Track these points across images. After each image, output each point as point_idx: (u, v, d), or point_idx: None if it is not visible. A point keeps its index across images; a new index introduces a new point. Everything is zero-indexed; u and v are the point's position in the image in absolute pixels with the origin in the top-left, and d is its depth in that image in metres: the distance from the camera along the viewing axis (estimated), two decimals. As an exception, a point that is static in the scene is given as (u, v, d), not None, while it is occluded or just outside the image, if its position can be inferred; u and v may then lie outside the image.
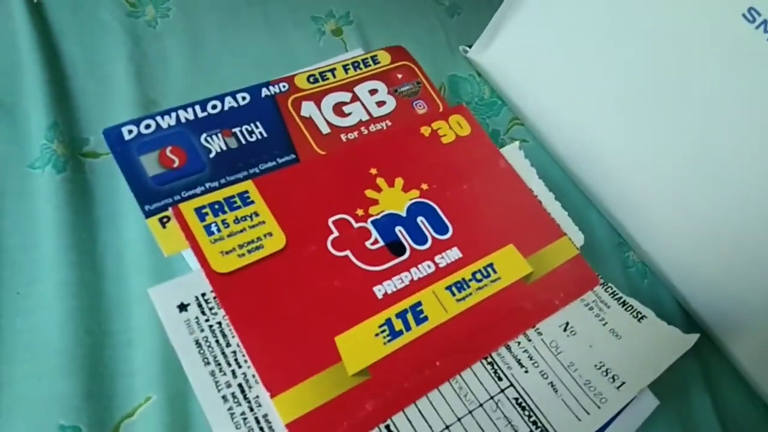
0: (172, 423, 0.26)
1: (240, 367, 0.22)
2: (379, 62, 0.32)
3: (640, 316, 0.28)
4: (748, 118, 0.31)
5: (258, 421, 0.22)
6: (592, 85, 0.36)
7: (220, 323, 0.23)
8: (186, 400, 0.27)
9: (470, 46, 0.45)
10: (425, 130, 0.30)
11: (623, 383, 0.25)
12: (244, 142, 0.27)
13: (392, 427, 0.23)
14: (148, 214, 0.24)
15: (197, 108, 0.27)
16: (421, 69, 0.33)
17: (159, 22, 0.40)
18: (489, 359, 0.25)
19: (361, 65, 0.31)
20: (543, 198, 0.30)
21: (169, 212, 0.24)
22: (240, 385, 0.22)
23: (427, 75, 0.32)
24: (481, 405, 0.24)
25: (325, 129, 0.29)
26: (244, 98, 0.28)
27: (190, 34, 0.40)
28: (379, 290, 0.25)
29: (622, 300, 0.28)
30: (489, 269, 0.27)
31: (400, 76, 0.32)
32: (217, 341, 0.23)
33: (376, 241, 0.26)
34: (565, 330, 0.27)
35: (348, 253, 0.25)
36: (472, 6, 0.51)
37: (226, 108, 0.27)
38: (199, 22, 0.41)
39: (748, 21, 0.29)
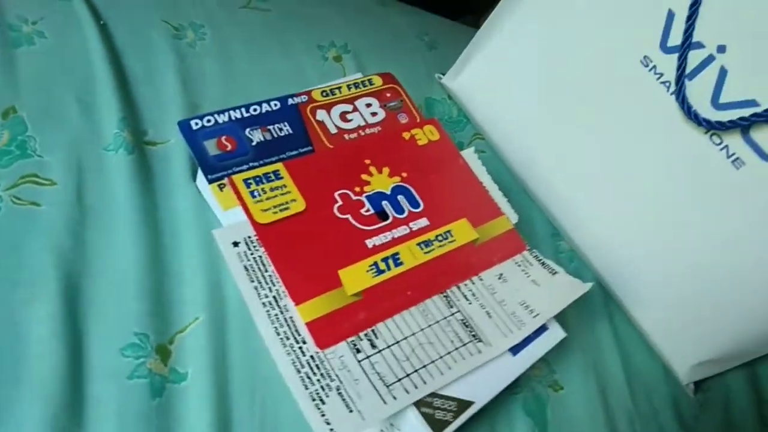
0: (213, 337, 0.36)
1: (274, 285, 0.33)
2: (373, 84, 0.43)
3: (553, 272, 0.39)
4: (642, 132, 0.42)
5: (286, 321, 0.32)
6: (533, 108, 0.48)
7: (261, 256, 0.33)
8: (224, 321, 0.37)
9: (444, 74, 0.57)
10: (406, 135, 0.41)
11: (538, 314, 0.36)
12: (275, 136, 0.38)
13: (376, 331, 0.33)
14: (211, 181, 0.35)
15: (243, 110, 0.38)
16: (405, 90, 0.44)
17: (198, 44, 0.51)
18: (445, 294, 0.36)
19: (360, 86, 0.42)
20: (489, 188, 0.42)
21: (226, 181, 0.35)
22: (275, 297, 0.32)
23: (408, 95, 0.44)
24: (437, 322, 0.35)
25: (333, 130, 0.40)
26: (275, 105, 0.39)
27: (222, 54, 0.51)
28: (369, 242, 0.36)
29: (541, 261, 0.39)
30: (447, 234, 0.38)
31: (389, 94, 0.43)
32: (258, 268, 0.33)
33: (368, 210, 0.37)
34: (499, 278, 0.38)
35: (348, 216, 0.36)
36: (448, 42, 0.63)
37: (263, 111, 0.38)
38: (229, 45, 0.52)
39: (644, 66, 0.41)
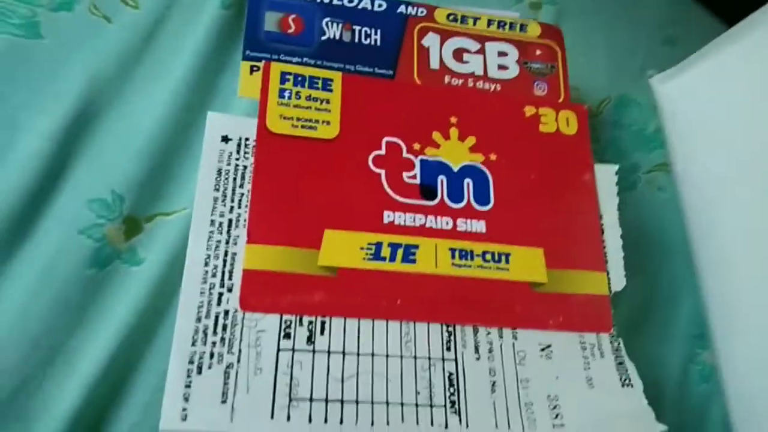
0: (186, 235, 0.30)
1: (239, 207, 0.25)
2: (526, 31, 0.31)
3: (627, 382, 0.25)
4: None
5: (226, 255, 0.24)
6: (733, 157, 0.32)
7: (245, 167, 0.26)
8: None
9: (658, 73, 0.42)
10: (529, 110, 0.30)
11: (562, 425, 0.24)
12: (357, 40, 0.29)
13: (326, 326, 0.24)
14: (245, 58, 0.27)
15: (337, -5, 0.29)
16: (565, 57, 0.31)
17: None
18: (450, 328, 0.25)
19: (507, 27, 0.31)
20: (609, 229, 0.28)
21: (260, 64, 0.27)
22: (230, 221, 0.25)
23: (566, 65, 0.31)
24: (415, 358, 0.24)
25: (435, 64, 0.30)
26: (380, 5, 0.30)
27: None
28: (388, 216, 0.26)
29: (620, 359, 0.26)
30: (503, 257, 0.26)
31: (539, 52, 0.31)
32: (234, 179, 0.26)
33: (414, 176, 0.27)
34: (543, 350, 0.26)
35: (382, 172, 0.27)
36: (686, 47, 0.47)
37: (360, 5, 0.29)
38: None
39: None
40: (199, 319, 0.23)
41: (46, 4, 0.34)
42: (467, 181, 0.27)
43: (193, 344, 0.23)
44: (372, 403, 0.23)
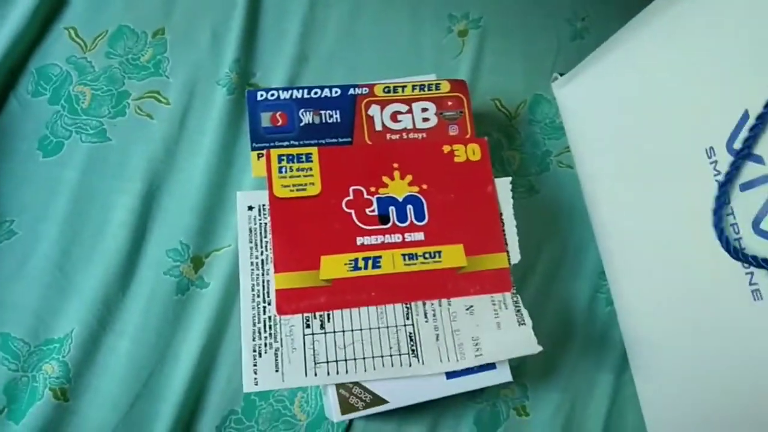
0: (235, 263, 0.45)
1: (266, 250, 0.40)
2: (440, 89, 0.45)
3: (522, 322, 0.41)
4: (686, 218, 0.40)
5: (263, 282, 0.40)
6: (609, 148, 0.46)
7: (266, 224, 0.41)
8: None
9: (563, 74, 0.55)
10: (446, 148, 0.44)
11: (480, 355, 0.40)
12: (323, 121, 0.43)
13: (330, 315, 0.40)
14: (253, 149, 0.42)
15: (305, 91, 0.43)
16: (469, 103, 0.45)
17: (333, -1, 0.55)
18: (407, 305, 0.41)
19: (426, 88, 0.45)
20: (507, 223, 0.43)
21: (263, 152, 0.42)
22: (262, 260, 0.40)
23: (471, 108, 0.45)
24: (387, 327, 0.40)
25: (378, 127, 0.44)
26: (336, 92, 0.43)
27: (350, 10, 0.55)
28: (359, 240, 0.41)
29: (518, 308, 0.41)
30: (437, 254, 0.41)
31: (450, 103, 0.45)
32: (260, 232, 0.41)
33: (373, 210, 0.41)
34: (467, 309, 0.41)
35: (352, 211, 0.41)
36: (600, 33, 0.59)
37: (322, 95, 0.43)
38: (362, 3, 0.56)
39: (707, 156, 0.37)
40: (254, 324, 0.39)
41: (107, 114, 0.48)
42: (409, 207, 0.42)
43: (254, 339, 0.38)
44: (363, 358, 0.39)
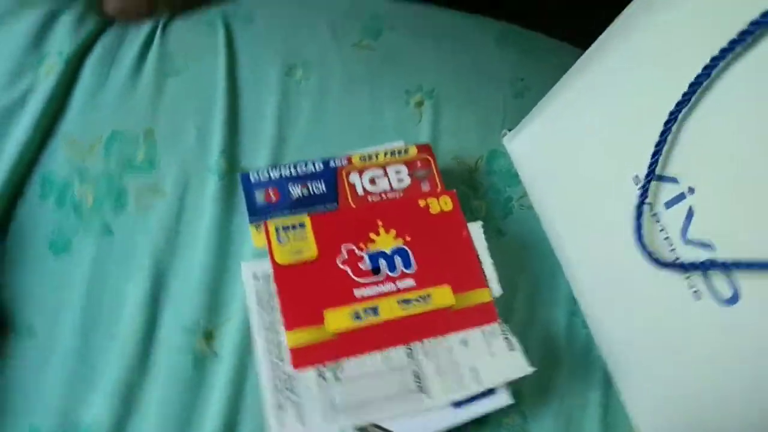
0: (243, 332, 0.49)
1: (275, 314, 0.45)
2: (408, 153, 0.51)
3: (512, 348, 0.45)
4: (627, 243, 0.46)
5: (276, 342, 0.44)
6: (556, 188, 0.53)
7: (271, 290, 0.45)
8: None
9: (510, 129, 0.62)
10: (422, 202, 0.49)
11: (481, 382, 0.44)
12: (311, 192, 0.48)
13: (342, 365, 0.43)
14: (251, 222, 0.47)
15: (291, 168, 0.49)
16: (435, 161, 0.51)
17: (303, 83, 0.62)
18: (408, 346, 0.45)
19: (397, 153, 0.51)
20: (484, 261, 0.48)
21: (261, 225, 0.46)
22: (271, 322, 0.44)
23: (437, 166, 0.51)
24: (394, 369, 0.44)
25: (360, 192, 0.49)
26: (319, 166, 0.49)
27: (320, 93, 0.62)
28: (357, 292, 0.45)
29: (506, 336, 0.46)
30: (427, 296, 0.46)
31: (419, 164, 0.51)
32: (267, 298, 0.45)
33: (366, 264, 0.46)
34: (461, 343, 0.46)
35: (347, 268, 0.46)
36: (540, 89, 0.67)
37: (308, 171, 0.49)
38: (328, 85, 0.62)
39: (634, 183, 0.44)
40: (274, 382, 0.42)
41: (109, 212, 0.52)
42: (397, 257, 0.47)
43: (276, 396, 0.42)
44: (377, 400, 0.43)
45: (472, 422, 0.46)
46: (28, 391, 0.46)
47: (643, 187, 0.40)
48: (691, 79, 0.37)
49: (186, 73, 0.60)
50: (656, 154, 0.39)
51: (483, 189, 0.61)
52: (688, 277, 0.41)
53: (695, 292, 0.40)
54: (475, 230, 0.49)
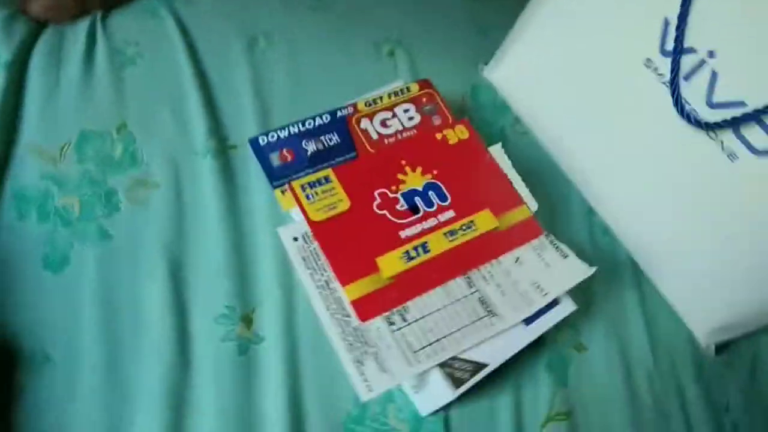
0: (285, 309, 0.45)
1: (325, 272, 0.42)
2: (411, 91, 0.50)
3: (565, 255, 0.45)
4: (649, 126, 0.47)
5: (335, 300, 0.41)
6: (560, 99, 0.53)
7: (315, 248, 0.42)
8: (291, 297, 0.46)
9: (487, 63, 0.62)
10: (438, 135, 0.48)
11: (547, 293, 0.43)
12: (326, 146, 0.46)
13: (406, 307, 0.41)
14: (274, 187, 0.43)
15: (299, 125, 0.46)
16: (439, 93, 0.50)
17: (268, 51, 0.59)
18: (467, 275, 0.43)
19: (400, 93, 0.49)
20: (513, 180, 0.48)
21: (286, 187, 0.43)
22: (326, 281, 0.41)
23: (442, 97, 0.50)
24: (458, 300, 0.42)
25: (374, 136, 0.47)
26: (326, 118, 0.47)
27: (289, 59, 0.59)
28: (402, 233, 0.43)
29: (555, 245, 0.46)
30: (471, 223, 0.45)
31: (424, 99, 0.50)
32: (313, 258, 0.42)
33: (402, 205, 0.45)
34: (516, 261, 0.45)
35: (385, 212, 0.44)
36: (500, 27, 0.67)
37: (316, 125, 0.46)
38: (295, 49, 0.60)
39: (647, 67, 0.45)
40: (344, 339, 0.40)
41: (102, 215, 0.47)
42: (430, 192, 0.45)
43: (350, 353, 0.39)
44: (451, 333, 0.41)
45: (529, 346, 0.45)
46: (60, 425, 0.41)
47: (674, 59, 0.41)
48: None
49: (143, 62, 0.55)
50: (679, 27, 0.40)
51: (474, 123, 0.60)
52: (720, 141, 0.42)
53: (730, 154, 0.42)
54: (497, 152, 0.49)
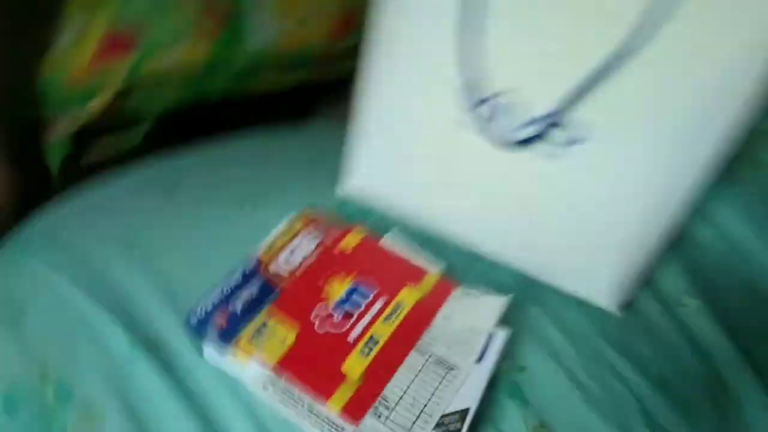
0: None
1: (304, 400, 0.45)
2: (297, 225, 0.57)
3: (477, 296, 0.53)
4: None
5: (325, 420, 0.44)
6: (411, 178, 0.63)
7: (283, 387, 0.46)
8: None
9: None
10: (336, 250, 0.55)
11: (481, 331, 0.50)
12: (250, 297, 0.50)
13: (384, 396, 0.46)
14: (224, 352, 0.47)
15: (219, 291, 0.50)
16: (322, 217, 0.58)
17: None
18: (416, 347, 0.49)
19: (289, 231, 0.56)
20: (413, 256, 0.56)
21: (234, 347, 0.47)
22: (308, 408, 0.45)
23: (326, 217, 0.58)
24: (420, 370, 0.48)
25: (285, 273, 0.53)
26: (239, 277, 0.52)
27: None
28: (349, 338, 0.49)
29: (467, 291, 0.54)
30: (399, 303, 0.52)
31: (312, 226, 0.57)
32: (287, 395, 0.45)
33: (337, 317, 0.50)
34: (446, 319, 0.52)
35: (327, 328, 0.49)
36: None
37: (233, 286, 0.51)
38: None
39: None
40: None
41: None
42: (354, 296, 0.52)
43: None
44: (431, 399, 0.46)
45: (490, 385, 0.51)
46: None
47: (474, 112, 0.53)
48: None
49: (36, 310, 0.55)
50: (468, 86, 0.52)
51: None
52: (541, 149, 0.54)
53: (549, 156, 0.53)
54: (390, 239, 0.57)
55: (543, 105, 0.51)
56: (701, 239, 0.73)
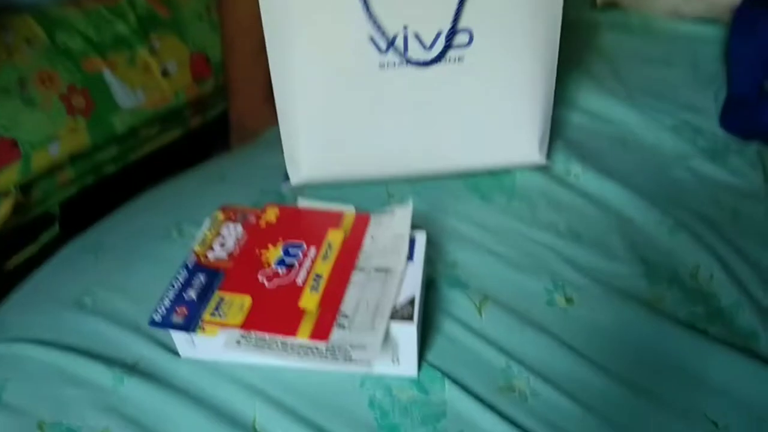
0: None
1: (276, 341, 0.51)
2: (219, 218, 0.63)
3: (391, 213, 0.61)
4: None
5: (302, 349, 0.50)
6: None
7: (255, 339, 0.51)
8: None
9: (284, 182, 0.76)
10: (262, 223, 0.62)
11: (404, 236, 0.58)
12: (201, 285, 0.56)
13: (342, 310, 0.52)
14: (195, 334, 0.52)
15: (171, 288, 0.55)
16: (237, 205, 0.64)
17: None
18: (357, 269, 0.56)
19: (213, 225, 0.62)
20: (328, 207, 0.63)
21: (201, 329, 0.52)
22: (282, 347, 0.51)
23: (241, 205, 0.64)
24: (365, 284, 0.55)
25: (224, 257, 0.59)
26: (184, 272, 0.57)
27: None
28: (298, 281, 0.55)
29: (380, 213, 0.61)
30: (329, 244, 0.59)
31: (231, 215, 0.63)
32: (263, 343, 0.51)
33: (282, 271, 0.56)
34: (372, 239, 0.59)
35: (276, 282, 0.55)
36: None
37: (182, 281, 0.56)
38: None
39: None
40: (333, 358, 0.49)
41: None
42: (290, 251, 0.58)
43: (343, 364, 0.49)
44: (379, 303, 0.53)
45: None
46: None
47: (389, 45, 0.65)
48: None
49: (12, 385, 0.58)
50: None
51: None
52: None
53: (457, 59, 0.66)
54: (305, 202, 0.64)
55: (438, 25, 0.65)
56: (573, 120, 0.87)
